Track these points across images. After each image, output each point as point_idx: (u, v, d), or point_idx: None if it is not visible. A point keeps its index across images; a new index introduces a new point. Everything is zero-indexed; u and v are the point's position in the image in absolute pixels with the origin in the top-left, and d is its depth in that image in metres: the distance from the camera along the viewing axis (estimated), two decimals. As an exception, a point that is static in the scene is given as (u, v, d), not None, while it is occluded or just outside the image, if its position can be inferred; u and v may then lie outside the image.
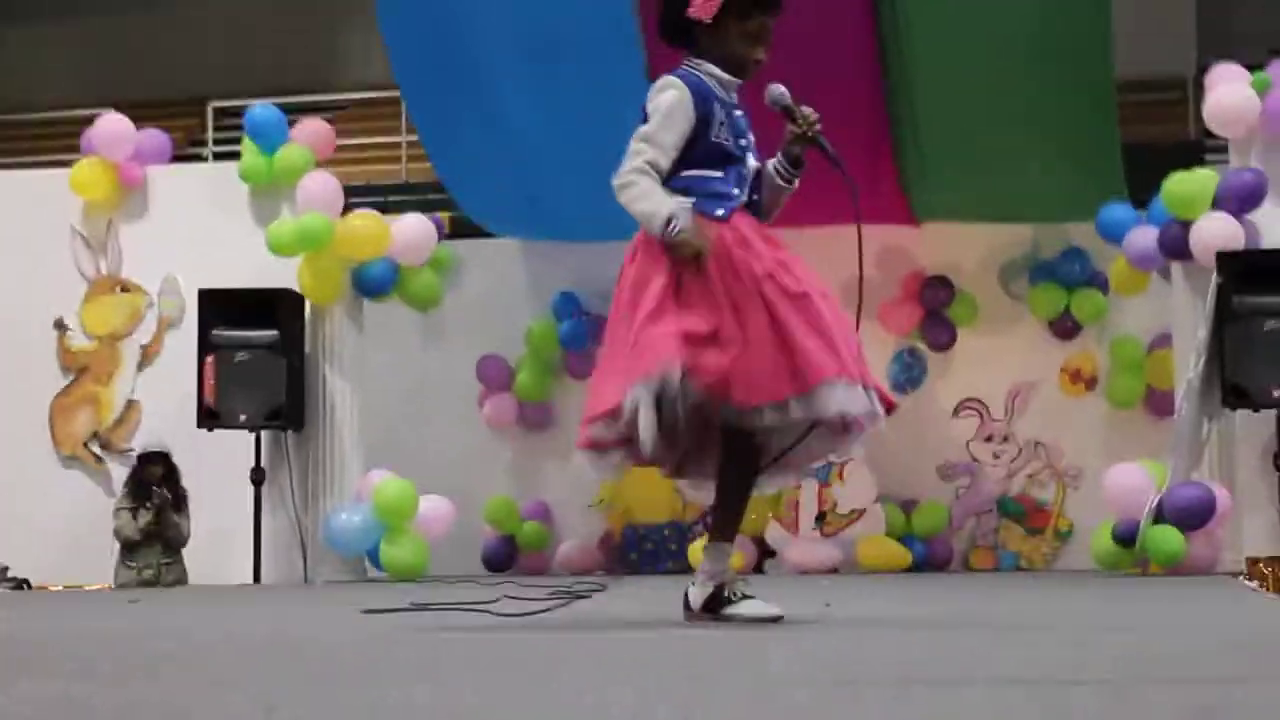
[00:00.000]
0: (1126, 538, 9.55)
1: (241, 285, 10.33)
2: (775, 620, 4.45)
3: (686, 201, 4.53)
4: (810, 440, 4.51)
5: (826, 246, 11.80)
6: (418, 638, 4.13)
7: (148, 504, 9.99)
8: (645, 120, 4.62)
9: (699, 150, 4.60)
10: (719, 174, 4.62)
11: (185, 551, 10.14)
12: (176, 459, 10.09)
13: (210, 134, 18.41)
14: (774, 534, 11.54)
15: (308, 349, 10.59)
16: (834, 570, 11.30)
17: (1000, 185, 11.12)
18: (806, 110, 4.66)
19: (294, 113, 11.41)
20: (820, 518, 11.53)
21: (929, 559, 11.69)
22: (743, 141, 4.68)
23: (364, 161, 17.12)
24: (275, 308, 10.31)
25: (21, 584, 10.04)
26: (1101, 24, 10.11)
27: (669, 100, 4.58)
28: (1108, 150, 10.51)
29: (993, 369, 11.98)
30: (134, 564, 10.01)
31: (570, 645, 3.74)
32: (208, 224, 10.89)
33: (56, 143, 16.68)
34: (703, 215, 4.53)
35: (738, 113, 4.70)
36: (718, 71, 4.66)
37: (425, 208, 11.87)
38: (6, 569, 10.16)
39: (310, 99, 16.53)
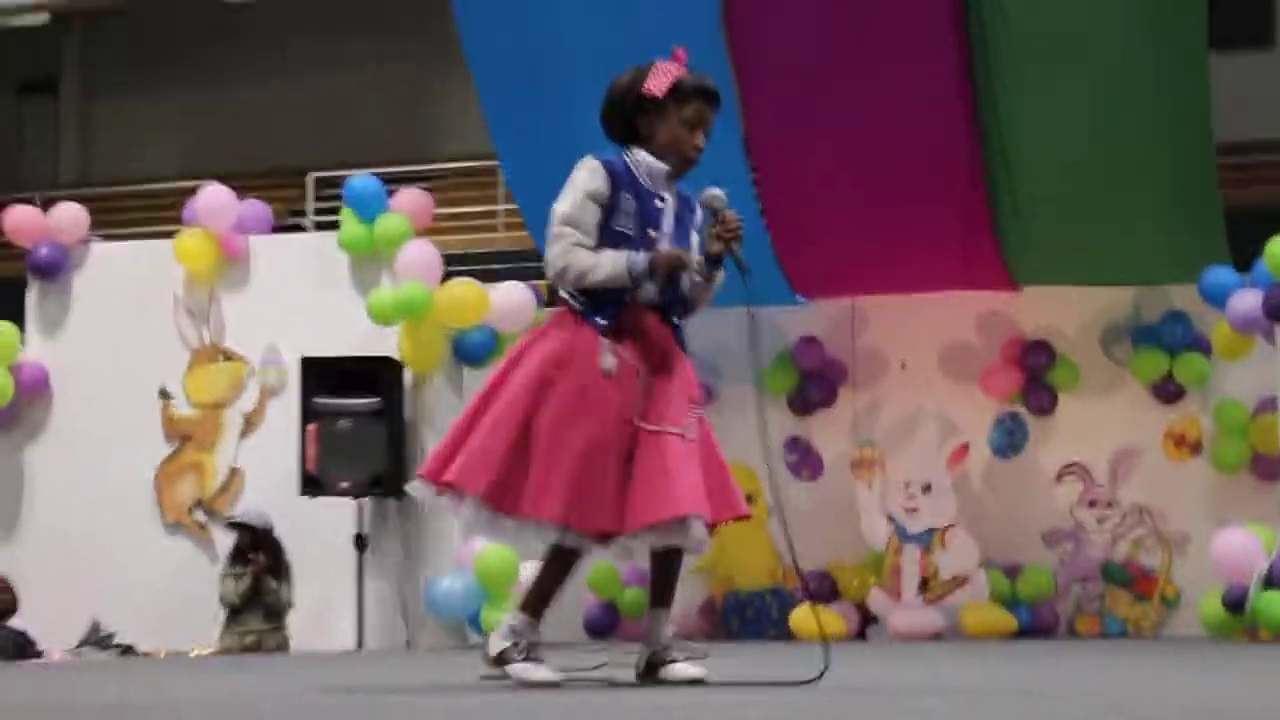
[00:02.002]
0: (1236, 604, 9.42)
1: (342, 353, 10.42)
2: (552, 686, 4.66)
3: (620, 255, 4.67)
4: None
5: (926, 312, 11.90)
6: (521, 702, 4.12)
7: (246, 570, 10.08)
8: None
9: (603, 233, 4.72)
10: None
11: (289, 618, 10.20)
12: (279, 526, 10.16)
13: (310, 204, 18.61)
14: (876, 600, 11.47)
15: (408, 416, 10.64)
16: (937, 636, 11.20)
17: (1100, 247, 11.06)
18: (730, 215, 4.77)
19: (392, 183, 11.52)
20: (923, 584, 11.44)
21: (1034, 625, 11.56)
22: (652, 232, 4.77)
23: (462, 230, 17.24)
24: (376, 375, 10.38)
25: (127, 649, 10.13)
26: (1200, 88, 10.06)
27: (581, 180, 4.73)
28: (1209, 212, 10.44)
29: (1095, 434, 11.87)
30: (237, 629, 10.08)
31: (673, 712, 3.72)
32: (309, 293, 11.00)
33: (159, 214, 16.92)
34: (587, 324, 4.70)
35: (658, 203, 4.80)
36: (650, 160, 4.78)
37: (523, 276, 11.92)
38: (113, 635, 10.27)
39: (408, 169, 16.68)
